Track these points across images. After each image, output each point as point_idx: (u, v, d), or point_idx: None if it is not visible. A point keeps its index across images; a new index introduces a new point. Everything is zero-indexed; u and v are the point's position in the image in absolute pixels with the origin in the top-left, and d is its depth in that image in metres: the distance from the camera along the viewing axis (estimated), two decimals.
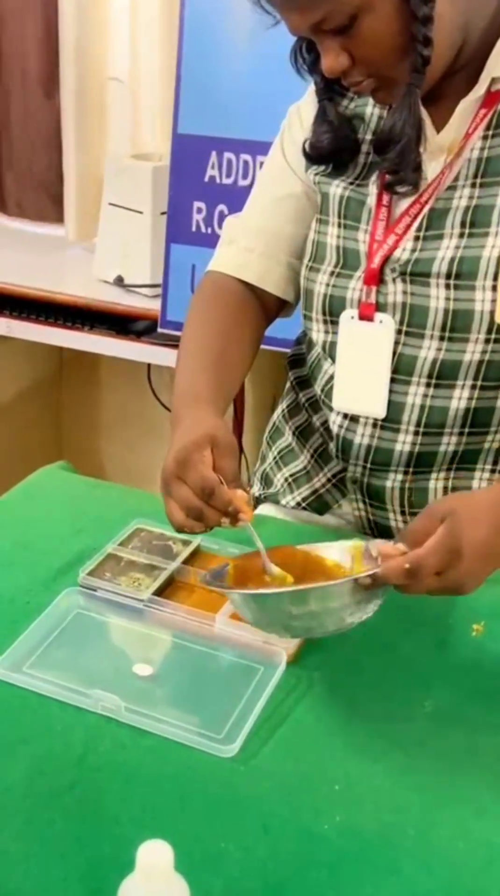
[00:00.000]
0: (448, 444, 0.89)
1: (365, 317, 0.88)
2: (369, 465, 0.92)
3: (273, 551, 0.77)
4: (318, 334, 0.93)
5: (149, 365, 2.02)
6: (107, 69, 1.98)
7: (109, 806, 0.62)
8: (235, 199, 1.51)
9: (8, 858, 0.58)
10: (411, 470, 0.91)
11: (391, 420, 0.89)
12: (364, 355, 0.88)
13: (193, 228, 1.60)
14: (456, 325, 0.83)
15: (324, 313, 0.91)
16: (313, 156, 0.90)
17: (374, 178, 0.88)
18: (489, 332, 0.83)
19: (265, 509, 1.04)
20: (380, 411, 0.89)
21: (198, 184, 1.56)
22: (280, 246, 0.97)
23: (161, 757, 0.66)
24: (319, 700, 0.72)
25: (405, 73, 0.77)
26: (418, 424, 0.88)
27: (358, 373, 0.89)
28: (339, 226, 0.90)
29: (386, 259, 0.86)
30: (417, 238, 0.85)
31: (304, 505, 1.02)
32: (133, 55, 1.94)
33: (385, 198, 0.86)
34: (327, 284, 0.90)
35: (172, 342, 1.68)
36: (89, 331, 1.76)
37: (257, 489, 1.07)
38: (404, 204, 0.86)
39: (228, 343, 0.93)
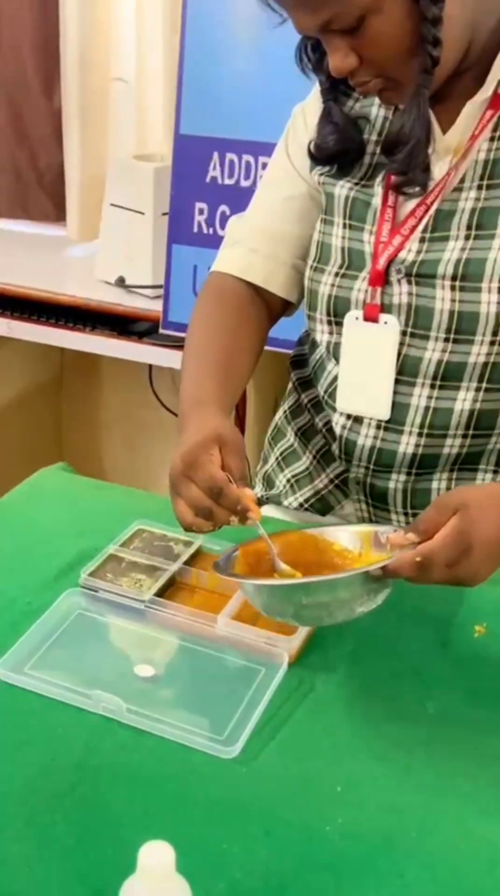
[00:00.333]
0: (452, 445, 0.89)
1: (370, 318, 0.88)
2: (372, 467, 0.92)
3: (283, 535, 0.78)
4: (322, 335, 0.93)
5: (150, 366, 2.02)
6: (109, 70, 1.98)
7: (111, 807, 0.62)
8: (238, 199, 1.51)
9: (9, 860, 0.58)
10: (414, 471, 0.91)
11: (395, 421, 0.89)
12: (369, 356, 0.88)
13: (195, 229, 1.59)
14: (461, 327, 0.83)
15: (328, 314, 0.91)
16: (319, 157, 0.90)
17: (379, 178, 0.88)
18: (495, 333, 0.83)
19: (267, 511, 1.04)
20: (384, 413, 0.89)
21: (200, 184, 1.56)
22: (284, 247, 0.97)
23: (162, 758, 0.66)
24: (320, 701, 0.72)
25: (413, 73, 0.77)
26: (422, 426, 0.88)
27: (362, 374, 0.89)
28: (344, 226, 0.90)
29: (391, 260, 0.86)
30: (422, 239, 0.85)
31: (306, 506, 1.01)
32: (135, 56, 1.94)
33: (391, 198, 0.86)
34: (332, 285, 0.90)
35: (174, 343, 1.68)
36: (91, 332, 1.76)
37: (258, 490, 1.07)
38: (410, 205, 0.86)
39: (233, 344, 0.93)
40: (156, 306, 1.72)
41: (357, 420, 0.91)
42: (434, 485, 0.92)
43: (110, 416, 2.34)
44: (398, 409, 0.88)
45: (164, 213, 1.68)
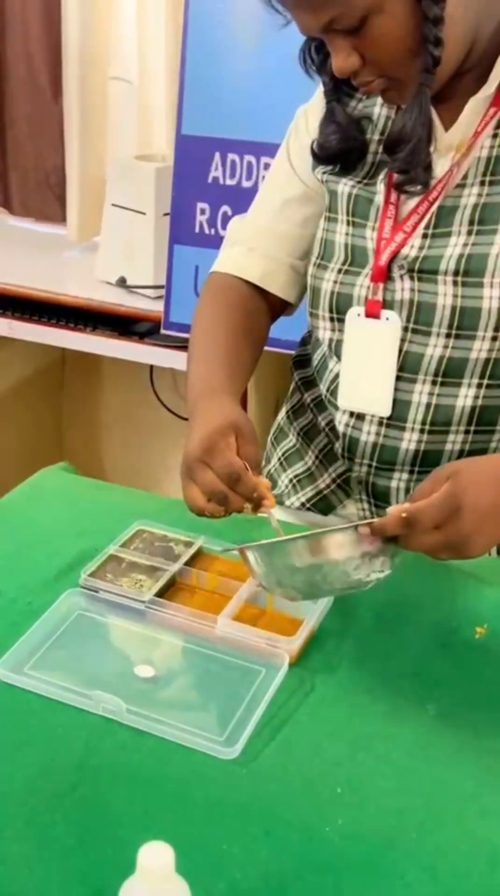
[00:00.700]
0: (454, 442, 0.89)
1: (372, 314, 0.88)
2: (374, 464, 0.92)
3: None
4: (324, 332, 0.93)
5: (151, 366, 2.02)
6: (110, 69, 1.98)
7: (111, 807, 0.62)
8: (239, 200, 1.51)
9: (9, 860, 0.58)
10: (416, 469, 0.91)
11: (397, 418, 0.89)
12: (370, 353, 0.88)
13: (197, 230, 1.59)
14: (463, 323, 0.83)
15: (331, 311, 0.91)
16: (321, 156, 0.90)
17: (382, 176, 0.88)
18: (496, 329, 0.83)
19: None
20: (385, 409, 0.89)
21: (201, 185, 1.56)
22: (283, 247, 0.97)
23: (162, 759, 0.66)
24: (321, 702, 0.72)
25: (416, 73, 0.78)
26: (424, 423, 0.88)
27: (364, 371, 0.89)
28: (347, 223, 0.90)
29: (394, 256, 0.86)
30: (425, 236, 0.85)
31: (308, 506, 1.01)
32: (137, 56, 1.94)
33: (393, 195, 0.87)
34: (335, 282, 0.90)
35: (175, 344, 1.68)
36: (91, 332, 1.76)
37: None
38: (413, 202, 0.86)
39: (237, 338, 0.94)
40: (157, 307, 1.72)
41: (360, 417, 0.91)
42: None
43: (111, 417, 2.34)
44: (400, 406, 0.89)
45: (165, 214, 1.68)
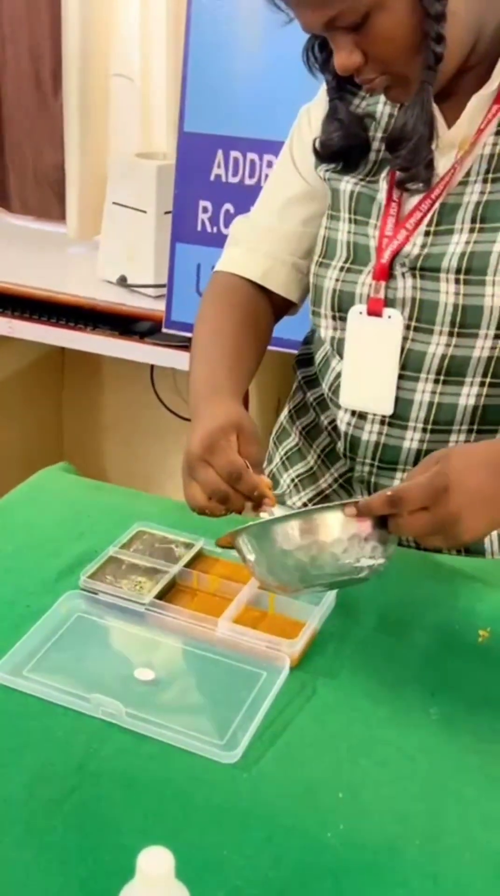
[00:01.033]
0: (457, 441, 0.88)
1: (374, 312, 0.87)
2: (377, 464, 0.92)
3: None
4: (326, 331, 0.93)
5: (152, 366, 2.02)
6: (110, 66, 1.97)
7: (110, 812, 0.61)
8: (242, 198, 1.50)
9: (8, 865, 0.58)
10: None
11: (400, 417, 0.89)
12: (372, 351, 0.88)
13: (199, 228, 1.59)
14: (466, 321, 0.83)
15: (333, 309, 0.91)
16: (323, 154, 0.90)
17: (384, 174, 0.88)
18: (499, 327, 0.82)
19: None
20: (387, 408, 0.88)
21: (204, 182, 1.56)
22: (285, 246, 0.97)
23: (163, 763, 0.65)
24: (322, 706, 0.72)
25: (418, 70, 0.77)
26: (426, 421, 0.88)
27: (366, 369, 0.89)
28: (349, 221, 0.90)
29: (396, 254, 0.86)
30: (427, 233, 0.85)
31: (310, 506, 1.01)
32: (139, 52, 1.93)
33: (395, 193, 0.86)
34: (337, 280, 0.90)
35: (176, 343, 1.67)
36: (92, 331, 1.76)
37: None
38: (415, 199, 0.86)
39: (240, 337, 0.93)
40: (158, 306, 1.71)
41: (362, 416, 0.91)
42: None
43: (111, 417, 2.34)
44: (402, 405, 0.88)
45: (166, 212, 1.67)
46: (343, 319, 0.90)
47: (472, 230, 0.83)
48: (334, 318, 0.91)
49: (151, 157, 1.80)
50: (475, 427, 0.87)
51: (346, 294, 0.90)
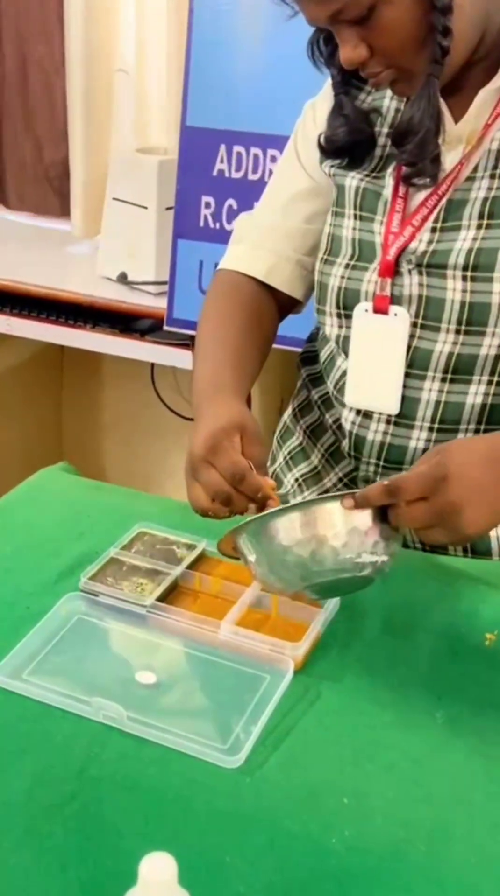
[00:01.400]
0: None
1: (380, 310, 0.86)
2: (382, 463, 0.91)
3: None
4: (331, 328, 0.92)
5: (152, 365, 2.01)
6: (114, 61, 1.96)
7: (111, 817, 0.61)
8: (245, 193, 1.49)
9: (7, 871, 0.57)
10: None
11: (406, 416, 0.88)
12: (378, 349, 0.87)
13: (201, 224, 1.58)
14: (473, 319, 0.82)
15: (338, 306, 0.90)
16: (328, 149, 0.89)
17: (390, 169, 0.87)
18: None
19: None
20: (393, 407, 0.88)
21: (206, 178, 1.54)
22: (289, 243, 0.97)
23: (164, 767, 0.65)
24: (327, 710, 0.71)
25: (424, 63, 0.77)
26: (433, 421, 0.87)
27: (372, 367, 0.88)
28: (355, 217, 0.89)
29: (402, 251, 0.85)
30: (434, 229, 0.84)
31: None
32: (141, 46, 1.92)
33: (402, 189, 0.86)
34: (342, 277, 0.89)
35: (177, 341, 1.66)
36: (92, 329, 1.75)
37: None
38: (421, 195, 0.85)
39: (244, 336, 0.93)
40: (158, 303, 1.71)
41: (367, 416, 0.90)
42: None
43: (111, 416, 2.33)
44: (408, 404, 0.87)
45: (168, 208, 1.66)
46: (349, 317, 0.90)
47: (479, 226, 0.82)
48: (339, 315, 0.91)
49: (152, 152, 1.79)
50: (483, 427, 0.87)
51: (351, 291, 0.89)
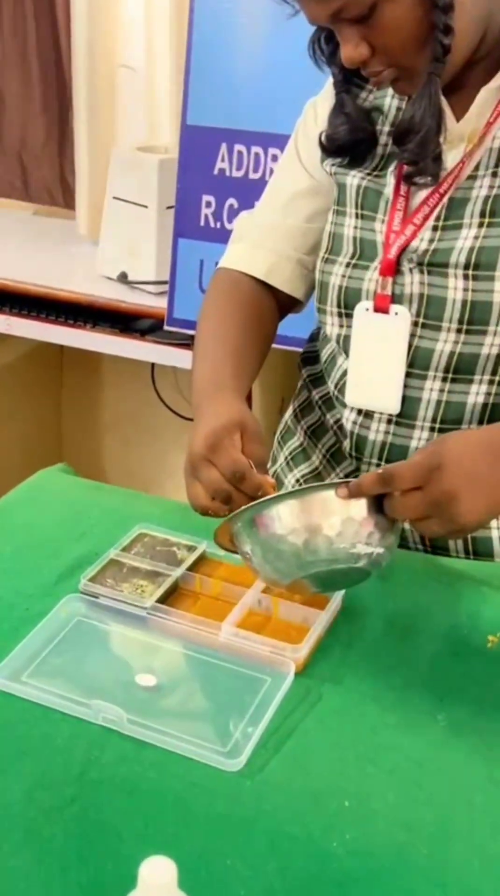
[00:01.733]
0: None
1: (380, 309, 0.86)
2: (383, 464, 0.91)
3: None
4: (332, 328, 0.92)
5: (153, 365, 2.01)
6: (118, 58, 1.95)
7: (111, 821, 0.60)
8: (246, 192, 1.49)
9: (7, 874, 0.57)
10: None
11: (407, 416, 0.88)
12: (379, 348, 0.87)
13: (202, 223, 1.57)
14: (474, 317, 0.82)
15: (339, 305, 0.90)
16: (330, 148, 0.89)
17: (392, 168, 0.87)
18: None
19: None
20: (394, 407, 0.87)
21: (207, 177, 1.54)
22: (290, 242, 0.96)
23: (165, 770, 0.64)
24: (328, 712, 0.70)
25: (426, 62, 0.77)
26: (434, 420, 0.87)
27: (372, 367, 0.88)
28: (356, 216, 0.89)
29: (403, 249, 0.85)
30: (435, 228, 0.84)
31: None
32: (145, 44, 1.91)
33: (403, 188, 0.86)
34: (343, 276, 0.89)
35: (177, 341, 1.66)
36: (92, 329, 1.75)
37: None
38: (423, 194, 0.85)
39: (244, 334, 0.93)
40: (159, 303, 1.70)
41: (368, 415, 0.90)
42: None
43: (111, 417, 2.33)
44: (410, 403, 0.87)
45: (168, 207, 1.66)
46: (349, 316, 0.89)
47: (481, 225, 0.82)
48: (339, 314, 0.90)
49: (153, 150, 1.79)
50: (484, 427, 0.86)
51: (352, 290, 0.88)
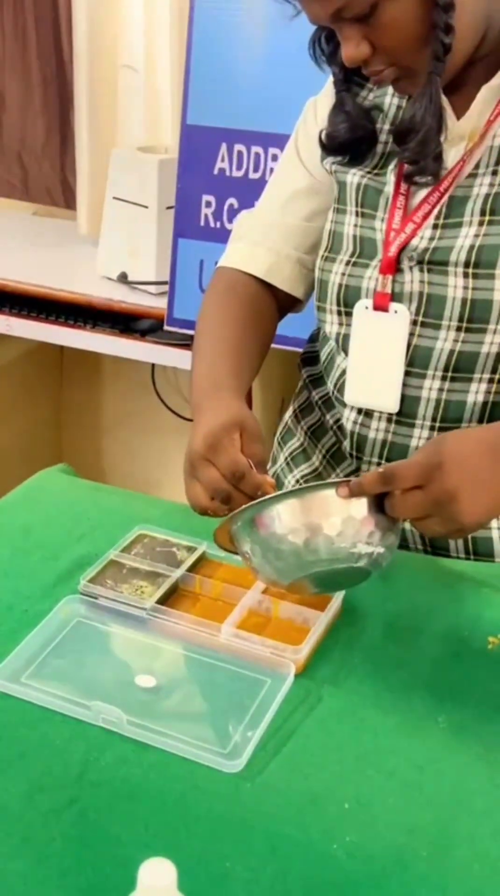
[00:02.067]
0: None
1: (380, 307, 0.86)
2: (383, 463, 0.90)
3: None
4: (332, 326, 0.92)
5: (153, 365, 2.00)
6: (119, 59, 1.95)
7: (111, 823, 0.60)
8: (246, 192, 1.49)
9: (5, 878, 0.56)
10: None
11: (406, 415, 0.87)
12: (378, 347, 0.86)
13: (202, 223, 1.57)
14: (474, 316, 0.82)
15: (338, 304, 0.90)
16: (330, 146, 0.89)
17: (392, 166, 0.87)
18: None
19: None
20: (393, 405, 0.87)
21: (207, 176, 1.54)
22: (289, 241, 0.96)
23: (164, 772, 0.64)
24: (328, 714, 0.70)
25: (426, 61, 0.77)
26: (434, 419, 0.86)
27: (371, 365, 0.88)
28: (356, 214, 0.89)
29: (403, 248, 0.85)
30: (435, 226, 0.84)
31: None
32: (145, 44, 1.91)
33: (403, 186, 0.85)
34: (343, 274, 0.89)
35: (178, 341, 1.66)
36: (92, 329, 1.74)
37: None
38: (423, 192, 0.85)
39: (244, 332, 0.92)
40: (159, 303, 1.70)
41: (368, 414, 0.90)
42: None
43: (111, 417, 2.33)
44: (409, 402, 0.87)
45: (168, 207, 1.66)
46: (349, 314, 0.89)
47: (481, 223, 0.82)
48: (339, 313, 0.90)
49: (153, 150, 1.79)
50: (484, 425, 0.86)
51: (352, 288, 0.88)
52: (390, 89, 0.87)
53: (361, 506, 0.68)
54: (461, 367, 0.84)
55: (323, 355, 0.98)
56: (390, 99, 0.88)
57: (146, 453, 2.24)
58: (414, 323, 0.85)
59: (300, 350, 1.06)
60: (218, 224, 1.56)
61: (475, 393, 0.85)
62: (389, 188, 0.87)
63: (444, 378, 0.85)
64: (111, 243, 1.79)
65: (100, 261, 1.82)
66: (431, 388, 0.86)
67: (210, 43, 1.49)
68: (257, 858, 0.58)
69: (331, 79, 0.89)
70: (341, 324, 0.91)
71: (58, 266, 1.92)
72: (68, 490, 1.00)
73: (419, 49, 0.76)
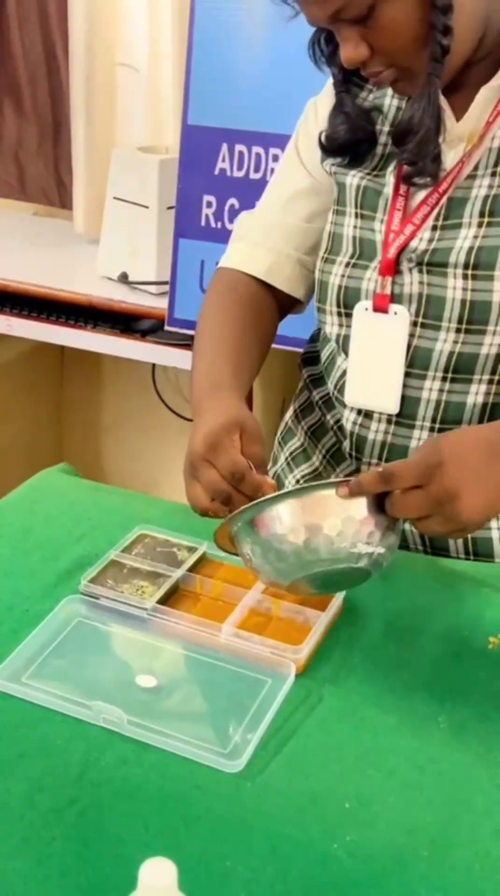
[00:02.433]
0: None
1: (380, 308, 0.86)
2: (383, 464, 0.90)
3: None
4: (332, 327, 0.92)
5: (153, 365, 2.00)
6: (116, 57, 1.95)
7: (111, 823, 0.60)
8: (247, 192, 1.49)
9: (5, 878, 0.56)
10: None
11: (406, 416, 0.88)
12: (378, 348, 0.87)
13: (203, 223, 1.57)
14: (474, 317, 0.82)
15: (338, 305, 0.90)
16: (329, 147, 0.89)
17: (391, 168, 0.87)
18: None
19: None
20: (393, 406, 0.87)
21: (208, 177, 1.54)
22: (290, 241, 0.96)
23: (165, 772, 0.64)
24: (329, 714, 0.70)
25: (425, 62, 0.77)
26: (433, 420, 0.86)
27: (371, 366, 0.88)
28: (356, 216, 0.89)
29: (402, 249, 0.85)
30: (434, 228, 0.84)
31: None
32: (147, 43, 1.90)
33: (402, 187, 0.86)
34: (343, 276, 0.89)
35: (178, 342, 1.66)
36: (92, 329, 1.74)
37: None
38: (422, 193, 0.85)
39: (244, 332, 0.92)
40: (159, 303, 1.70)
41: (368, 415, 0.90)
42: None
43: (112, 418, 2.33)
44: (409, 403, 0.87)
45: (169, 207, 1.66)
46: (349, 316, 0.89)
47: (480, 224, 0.82)
48: (339, 314, 0.90)
49: (154, 150, 1.79)
50: (484, 424, 0.86)
51: (351, 290, 0.88)
52: (389, 90, 0.87)
53: (361, 506, 0.68)
54: (460, 369, 0.84)
55: (324, 356, 0.98)
56: (389, 100, 0.88)
57: (147, 453, 2.24)
58: (414, 324, 0.85)
59: (301, 350, 1.06)
60: (219, 224, 1.56)
61: (475, 394, 0.85)
62: (388, 189, 0.87)
63: (444, 379, 0.85)
64: (112, 243, 1.79)
65: (100, 261, 1.82)
66: (431, 389, 0.86)
67: (211, 43, 1.49)
68: (258, 858, 0.58)
69: (331, 79, 0.90)
70: (341, 325, 0.91)
71: (58, 266, 1.92)
72: (69, 490, 1.00)
73: (417, 50, 0.76)
